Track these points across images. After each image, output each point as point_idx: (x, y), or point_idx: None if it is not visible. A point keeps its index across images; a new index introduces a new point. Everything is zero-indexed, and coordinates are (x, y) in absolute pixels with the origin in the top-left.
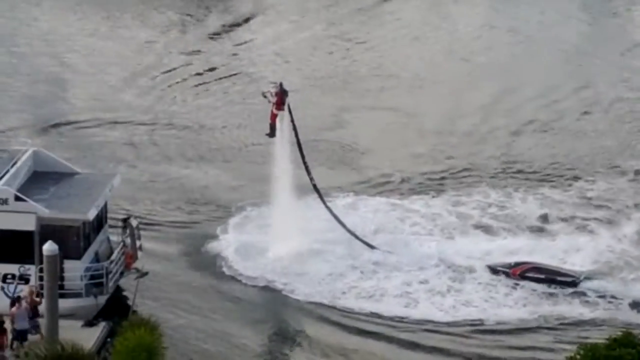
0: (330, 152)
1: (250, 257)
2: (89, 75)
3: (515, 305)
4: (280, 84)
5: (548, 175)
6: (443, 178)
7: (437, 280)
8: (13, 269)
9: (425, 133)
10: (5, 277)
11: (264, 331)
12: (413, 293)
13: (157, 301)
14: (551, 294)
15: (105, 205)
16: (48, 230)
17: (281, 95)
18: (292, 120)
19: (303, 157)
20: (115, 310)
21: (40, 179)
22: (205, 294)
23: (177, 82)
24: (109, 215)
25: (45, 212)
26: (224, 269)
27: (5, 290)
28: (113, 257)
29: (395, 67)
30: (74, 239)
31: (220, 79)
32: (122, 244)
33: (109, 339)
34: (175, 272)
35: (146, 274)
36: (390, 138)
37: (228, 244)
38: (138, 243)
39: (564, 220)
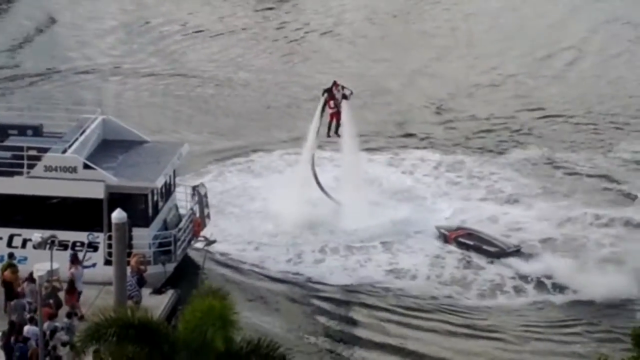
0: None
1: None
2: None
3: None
4: (334, 83)
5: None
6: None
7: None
8: (82, 236)
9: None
10: (74, 244)
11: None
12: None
13: (225, 269)
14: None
15: (174, 173)
16: (116, 198)
17: (332, 98)
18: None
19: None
20: (184, 278)
21: (109, 147)
22: (272, 264)
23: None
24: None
25: (113, 180)
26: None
27: None
28: (181, 225)
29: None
30: (142, 206)
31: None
32: (190, 211)
33: (179, 307)
34: (241, 241)
35: (214, 241)
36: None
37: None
38: (206, 211)
39: None
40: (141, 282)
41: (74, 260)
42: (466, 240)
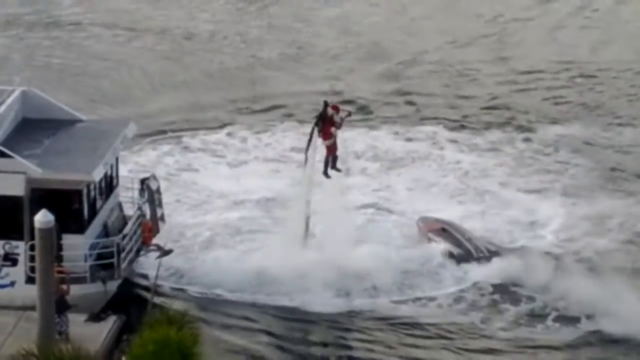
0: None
1: None
2: None
3: None
4: (325, 104)
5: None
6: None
7: None
8: None
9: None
10: None
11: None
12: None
13: (186, 287)
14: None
15: (117, 162)
16: (41, 196)
17: (328, 121)
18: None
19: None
20: (130, 300)
21: (31, 129)
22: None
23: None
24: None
25: (37, 171)
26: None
27: None
28: (126, 230)
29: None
30: (75, 206)
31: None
32: (138, 212)
33: (124, 338)
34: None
35: (170, 251)
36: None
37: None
38: (159, 211)
39: None
40: (61, 306)
41: None
42: (435, 236)
